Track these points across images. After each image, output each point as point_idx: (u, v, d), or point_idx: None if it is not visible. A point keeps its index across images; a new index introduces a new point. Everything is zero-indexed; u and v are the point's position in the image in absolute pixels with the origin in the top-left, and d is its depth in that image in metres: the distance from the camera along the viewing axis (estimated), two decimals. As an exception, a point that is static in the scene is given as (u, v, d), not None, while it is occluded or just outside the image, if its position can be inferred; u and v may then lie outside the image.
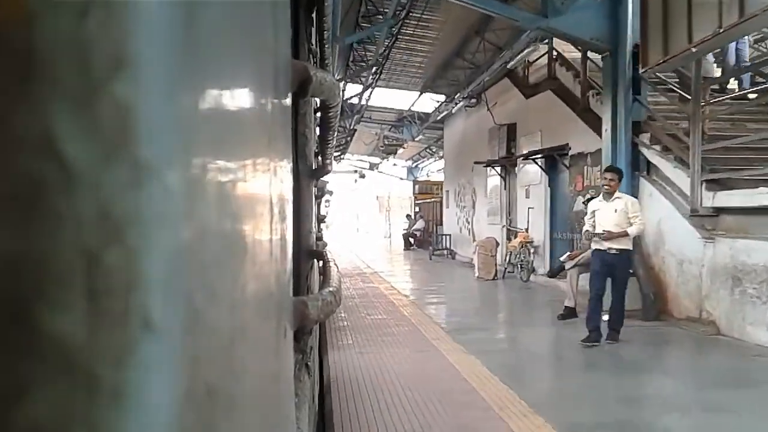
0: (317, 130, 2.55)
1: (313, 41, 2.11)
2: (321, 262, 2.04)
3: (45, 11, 0.23)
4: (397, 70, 17.63)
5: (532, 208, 13.33)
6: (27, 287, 0.23)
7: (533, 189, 13.44)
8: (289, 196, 0.94)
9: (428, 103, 20.62)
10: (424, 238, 24.45)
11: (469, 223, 18.39)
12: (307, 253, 1.88)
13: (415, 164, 35.84)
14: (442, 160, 28.60)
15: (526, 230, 12.92)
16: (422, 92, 18.92)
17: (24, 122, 0.23)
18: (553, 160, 12.10)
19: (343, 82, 15.93)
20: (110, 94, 0.24)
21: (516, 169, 14.29)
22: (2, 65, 0.23)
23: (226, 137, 0.43)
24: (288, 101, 1.02)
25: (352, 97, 18.56)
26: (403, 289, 11.51)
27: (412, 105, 20.78)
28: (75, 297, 0.24)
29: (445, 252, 19.71)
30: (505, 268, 13.00)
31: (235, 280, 0.43)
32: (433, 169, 34.82)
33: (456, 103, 17.65)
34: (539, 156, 12.37)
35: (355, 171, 36.09)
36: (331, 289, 1.10)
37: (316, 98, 1.84)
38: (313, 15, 2.05)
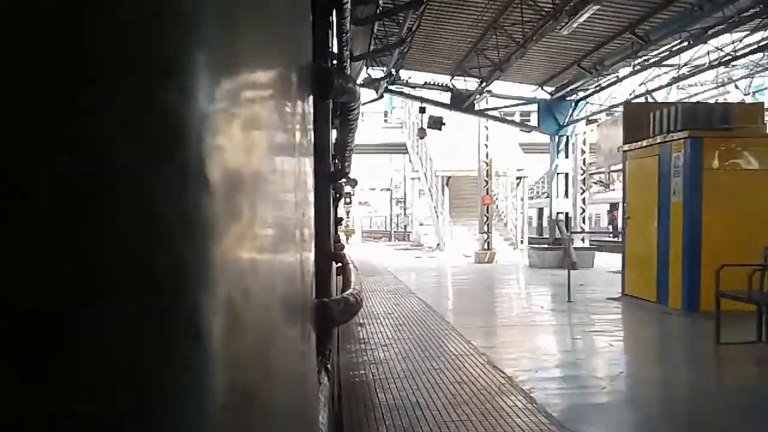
0: (334, 132, 2.56)
1: (333, 44, 2.12)
2: (339, 264, 2.05)
3: (97, 21, 0.24)
4: None
5: None
6: (78, 291, 0.24)
7: None
8: (311, 199, 0.95)
9: None
10: None
11: None
12: (326, 255, 1.89)
13: (571, 88, 13.98)
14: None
15: None
16: None
17: (75, 126, 0.24)
18: None
19: None
20: (160, 99, 0.25)
21: None
22: (56, 71, 0.24)
23: (258, 142, 0.43)
24: (310, 105, 1.03)
25: None
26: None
27: None
28: (125, 300, 0.24)
29: None
30: None
31: (268, 284, 0.44)
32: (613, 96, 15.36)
33: None
34: None
35: (421, 111, 15.79)
36: (352, 291, 1.11)
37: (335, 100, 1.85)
38: (332, 18, 2.06)
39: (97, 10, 0.24)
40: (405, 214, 37.83)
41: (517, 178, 22.57)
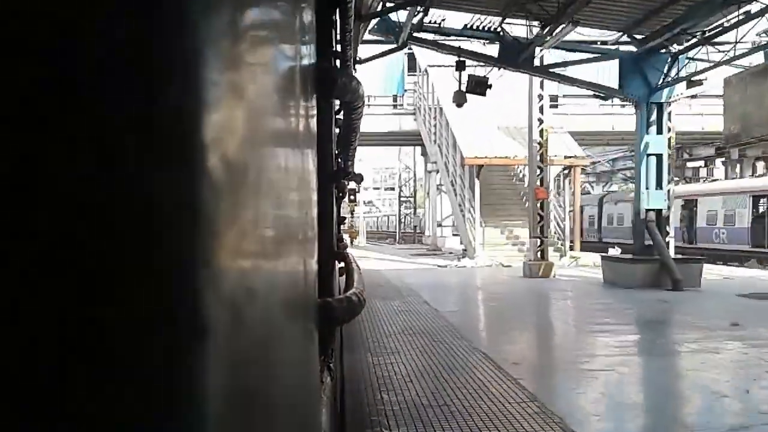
0: (337, 131, 2.56)
1: (336, 43, 2.12)
2: (342, 264, 2.05)
3: (100, 21, 0.24)
4: None
5: None
6: (81, 290, 0.24)
7: None
8: (314, 198, 0.95)
9: None
10: None
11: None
12: (329, 254, 1.89)
13: (679, 29, 9.37)
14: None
15: None
16: None
17: (79, 126, 0.24)
18: None
19: None
20: (163, 99, 0.25)
21: None
22: (56, 71, 0.24)
23: (261, 142, 0.43)
24: (313, 104, 1.03)
25: None
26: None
27: None
28: (128, 299, 0.24)
29: None
30: None
31: (271, 283, 0.44)
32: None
33: None
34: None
35: (459, 67, 10.78)
36: (355, 290, 1.11)
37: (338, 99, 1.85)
38: (336, 17, 2.06)
39: (98, 10, 0.24)
40: (415, 213, 33.51)
41: (565, 168, 17.50)
